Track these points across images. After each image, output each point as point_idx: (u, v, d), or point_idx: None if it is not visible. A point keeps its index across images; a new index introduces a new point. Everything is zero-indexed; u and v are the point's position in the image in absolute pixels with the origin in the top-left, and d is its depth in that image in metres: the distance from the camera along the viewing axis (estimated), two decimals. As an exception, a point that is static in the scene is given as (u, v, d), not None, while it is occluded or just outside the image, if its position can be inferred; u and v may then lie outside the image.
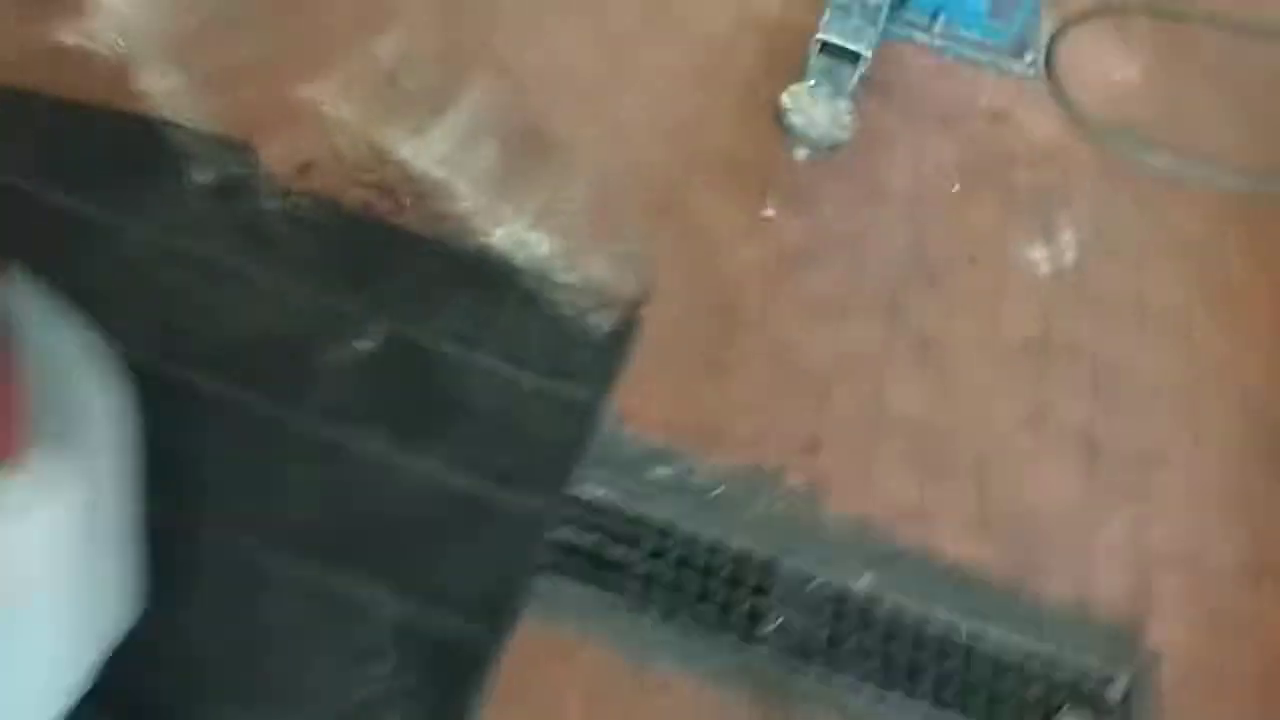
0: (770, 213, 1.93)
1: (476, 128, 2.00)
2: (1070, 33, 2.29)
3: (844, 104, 1.91)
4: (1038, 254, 1.93)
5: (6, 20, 2.01)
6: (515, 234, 1.85)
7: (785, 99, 1.93)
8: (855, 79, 1.93)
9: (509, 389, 1.66)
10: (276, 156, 1.92)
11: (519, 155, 1.98)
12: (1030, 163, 2.05)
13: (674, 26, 2.21)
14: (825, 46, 1.96)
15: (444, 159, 1.95)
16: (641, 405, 1.67)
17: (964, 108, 2.12)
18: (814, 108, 1.91)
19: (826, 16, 1.98)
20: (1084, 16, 2.32)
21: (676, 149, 2.02)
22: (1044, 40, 2.26)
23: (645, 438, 1.63)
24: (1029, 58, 2.20)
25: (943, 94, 2.13)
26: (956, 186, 1.98)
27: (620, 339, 1.72)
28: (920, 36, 2.20)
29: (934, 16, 2.19)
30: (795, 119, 1.92)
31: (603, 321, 1.75)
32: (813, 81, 1.94)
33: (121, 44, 2.04)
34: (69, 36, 2.04)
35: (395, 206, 1.89)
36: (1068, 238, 1.95)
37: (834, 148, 1.92)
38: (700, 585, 1.55)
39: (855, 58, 1.94)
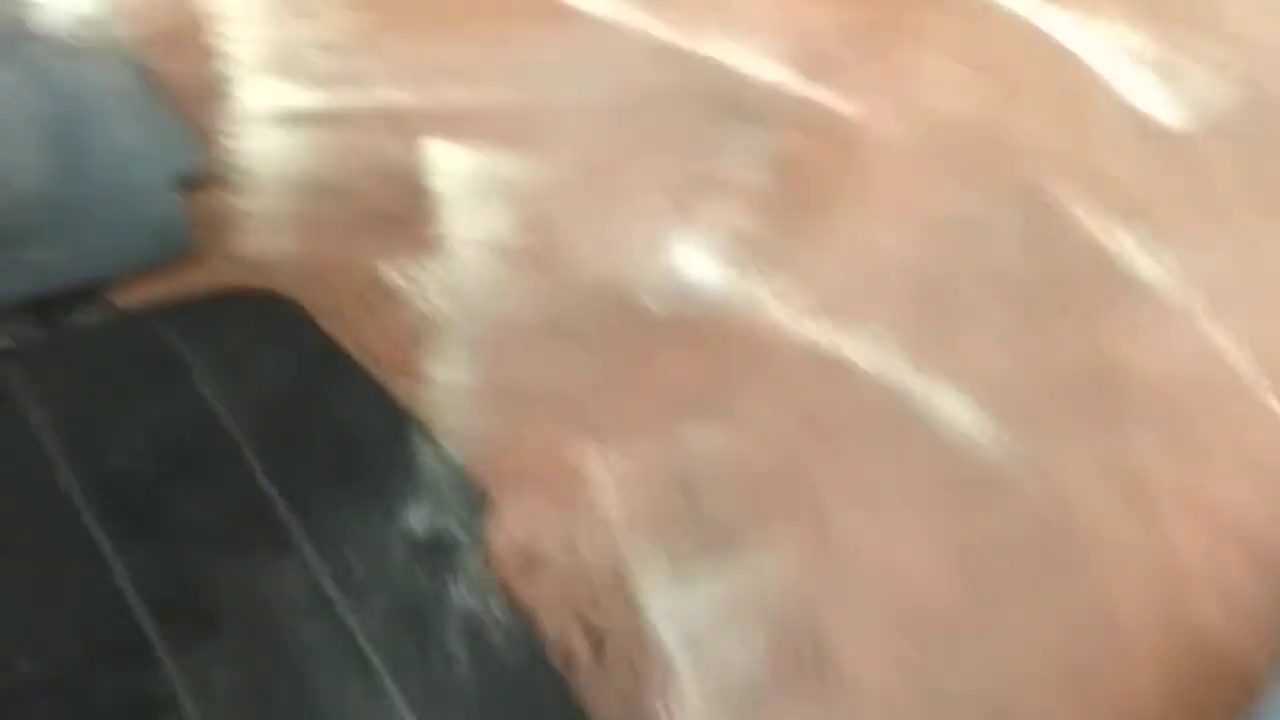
0: None
1: (745, 606, 1.54)
2: None
3: None
4: None
5: (338, 236, 1.82)
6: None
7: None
8: None
9: None
10: (508, 531, 1.57)
11: (776, 675, 1.50)
12: None
13: (1067, 570, 1.66)
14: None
15: (688, 639, 1.51)
16: None
17: None
18: None
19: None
20: None
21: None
22: None
23: None
24: None
25: None
26: None
27: None
28: None
29: None
30: None
31: None
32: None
33: (441, 308, 1.79)
34: (392, 274, 1.82)
35: (600, 674, 1.48)
36: None
37: None
38: None
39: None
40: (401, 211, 1.83)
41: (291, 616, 1.41)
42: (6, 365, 1.53)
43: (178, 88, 1.90)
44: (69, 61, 1.87)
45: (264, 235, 1.75)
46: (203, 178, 1.78)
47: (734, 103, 2.15)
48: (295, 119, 1.90)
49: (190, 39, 1.98)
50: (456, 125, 1.97)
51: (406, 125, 1.95)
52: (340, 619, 1.41)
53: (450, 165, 1.91)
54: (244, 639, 1.38)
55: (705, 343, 1.77)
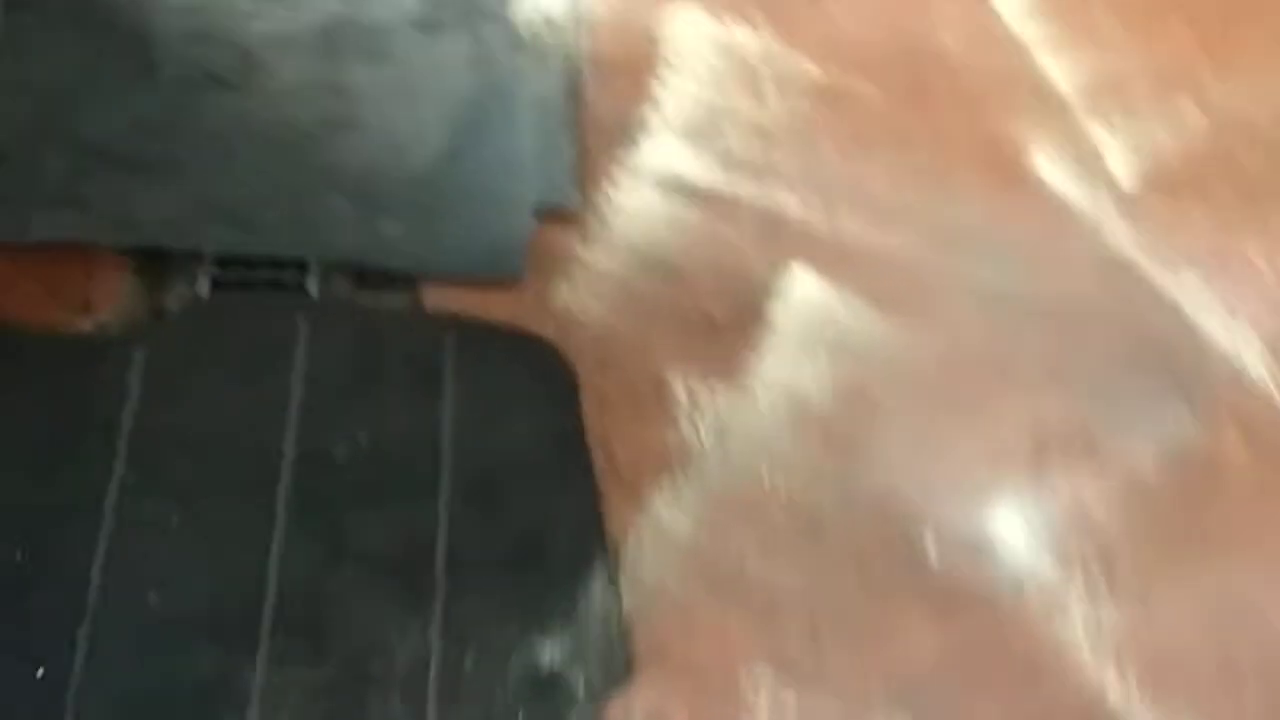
0: None
1: None
2: None
3: None
4: None
5: (649, 322, 1.66)
6: None
7: None
8: None
9: None
10: (630, 716, 1.37)
11: None
12: None
13: None
14: None
15: None
16: None
17: None
18: None
19: None
20: None
21: None
22: None
23: None
24: None
25: None
26: None
27: None
28: None
29: None
30: None
31: None
32: None
33: (706, 444, 1.59)
34: (678, 385, 1.65)
35: None
36: None
37: None
38: None
39: None
40: (724, 323, 1.66)
41: (383, 687, 1.32)
42: (299, 316, 1.58)
43: (595, 116, 1.86)
44: (513, 54, 1.90)
45: (584, 292, 1.66)
46: (563, 212, 1.73)
47: (1173, 364, 1.72)
48: (679, 189, 1.79)
49: (632, 75, 1.94)
50: (833, 258, 1.76)
51: (782, 238, 1.78)
52: (422, 716, 1.31)
53: (801, 296, 1.71)
54: (331, 685, 1.30)
55: (966, 624, 1.44)
